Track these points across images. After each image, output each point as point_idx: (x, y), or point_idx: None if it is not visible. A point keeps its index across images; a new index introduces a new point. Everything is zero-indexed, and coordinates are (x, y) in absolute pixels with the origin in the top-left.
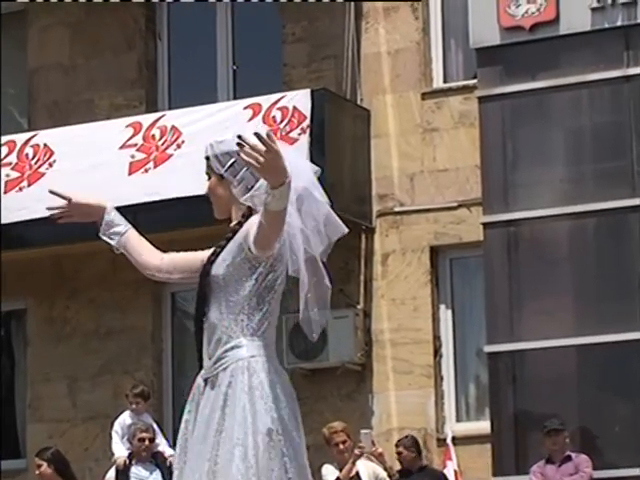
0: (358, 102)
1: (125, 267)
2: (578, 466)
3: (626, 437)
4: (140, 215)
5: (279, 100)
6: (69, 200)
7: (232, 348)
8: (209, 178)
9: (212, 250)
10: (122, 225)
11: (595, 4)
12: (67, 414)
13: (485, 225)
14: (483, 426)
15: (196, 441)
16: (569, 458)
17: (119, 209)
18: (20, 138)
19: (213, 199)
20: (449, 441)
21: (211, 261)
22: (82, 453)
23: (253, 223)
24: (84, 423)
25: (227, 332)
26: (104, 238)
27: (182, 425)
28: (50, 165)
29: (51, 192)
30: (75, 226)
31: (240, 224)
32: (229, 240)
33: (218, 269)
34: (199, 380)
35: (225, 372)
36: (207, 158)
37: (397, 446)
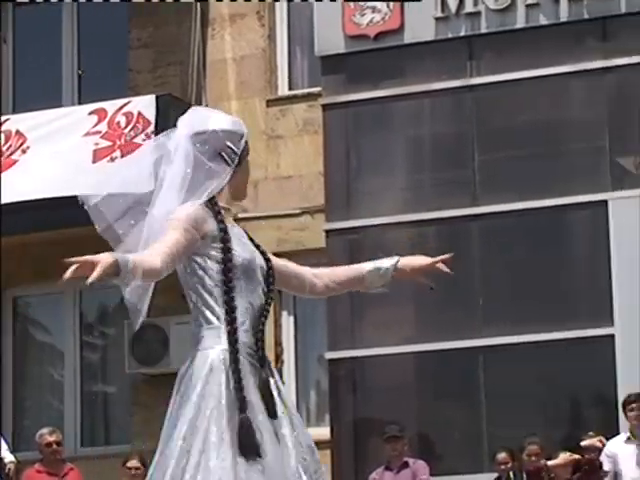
0: None
1: None
2: (416, 472)
3: (464, 443)
4: None
5: (124, 106)
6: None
7: None
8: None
9: (252, 240)
10: (127, 259)
11: (439, 14)
12: None
13: (327, 232)
14: (323, 432)
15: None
16: (406, 464)
17: None
18: None
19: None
20: None
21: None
22: None
23: (287, 264)
24: None
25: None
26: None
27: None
28: None
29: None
30: None
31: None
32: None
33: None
34: (254, 357)
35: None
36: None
37: None
